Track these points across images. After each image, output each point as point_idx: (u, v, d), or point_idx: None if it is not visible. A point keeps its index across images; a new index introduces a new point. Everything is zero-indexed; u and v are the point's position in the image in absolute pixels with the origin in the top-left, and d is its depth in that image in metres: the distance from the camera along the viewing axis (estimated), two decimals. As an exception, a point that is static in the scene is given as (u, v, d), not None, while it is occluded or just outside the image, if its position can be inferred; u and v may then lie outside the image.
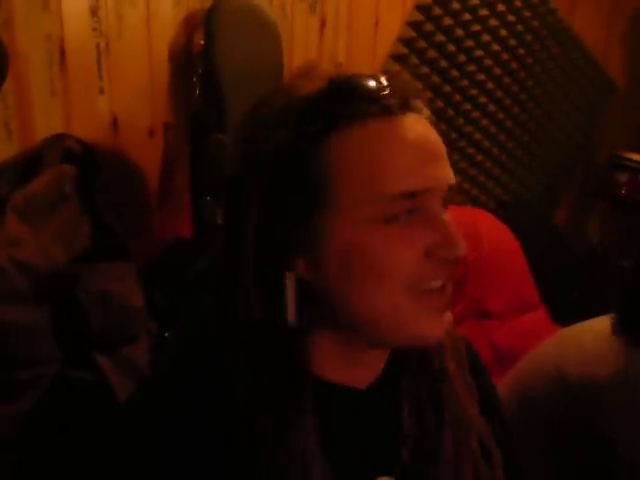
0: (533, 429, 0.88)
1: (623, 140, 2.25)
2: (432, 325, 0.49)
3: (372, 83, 0.49)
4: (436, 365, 0.56)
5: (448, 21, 1.71)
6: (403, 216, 0.47)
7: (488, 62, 1.84)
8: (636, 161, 2.09)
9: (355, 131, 0.47)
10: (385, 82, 0.50)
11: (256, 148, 0.49)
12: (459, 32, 1.74)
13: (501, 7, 1.81)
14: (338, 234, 0.47)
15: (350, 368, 0.53)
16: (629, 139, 2.27)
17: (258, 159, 0.49)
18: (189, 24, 1.31)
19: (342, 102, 0.48)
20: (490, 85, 1.87)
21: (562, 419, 0.85)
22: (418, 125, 0.49)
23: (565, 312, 1.83)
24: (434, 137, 0.50)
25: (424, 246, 0.47)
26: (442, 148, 0.50)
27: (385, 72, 0.52)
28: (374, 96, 0.48)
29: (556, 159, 2.17)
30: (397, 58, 1.66)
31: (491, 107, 1.90)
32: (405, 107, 0.49)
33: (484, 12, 1.78)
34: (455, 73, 1.78)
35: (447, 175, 0.49)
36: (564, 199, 2.29)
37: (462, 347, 0.59)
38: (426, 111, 0.51)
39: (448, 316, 0.51)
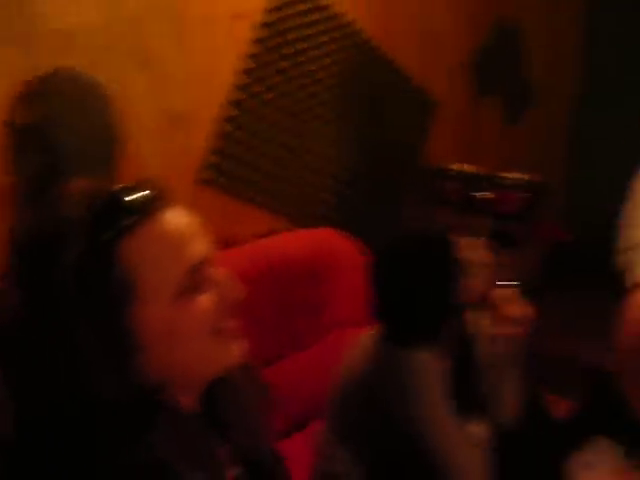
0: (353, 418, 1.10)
1: (446, 151, 2.57)
2: (230, 352, 0.67)
3: (129, 197, 0.63)
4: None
5: (282, 64, 1.88)
6: (191, 287, 0.63)
7: (324, 96, 2.04)
8: (457, 171, 2.42)
9: (134, 238, 0.61)
10: (140, 193, 0.64)
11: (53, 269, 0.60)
12: (294, 72, 1.91)
13: (328, 47, 2.01)
14: (149, 319, 0.62)
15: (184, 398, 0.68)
16: (452, 150, 2.60)
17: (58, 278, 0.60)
18: (17, 96, 1.34)
19: (108, 222, 0.61)
20: (327, 115, 2.07)
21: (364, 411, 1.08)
22: (174, 217, 0.65)
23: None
24: (187, 220, 0.66)
25: (210, 303, 0.64)
26: (196, 226, 0.66)
27: (142, 180, 0.66)
28: (135, 208, 0.62)
29: (396, 172, 2.43)
30: (234, 103, 1.80)
31: (332, 135, 2.11)
32: (160, 206, 0.64)
33: (314, 52, 1.97)
34: (295, 108, 1.95)
35: (205, 245, 0.66)
36: (408, 205, 2.57)
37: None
38: (174, 201, 0.66)
39: (243, 344, 0.68)
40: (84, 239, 0.60)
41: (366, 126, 2.24)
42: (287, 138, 1.96)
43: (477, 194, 2.38)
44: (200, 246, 0.65)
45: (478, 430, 1.08)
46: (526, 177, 2.32)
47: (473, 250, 1.09)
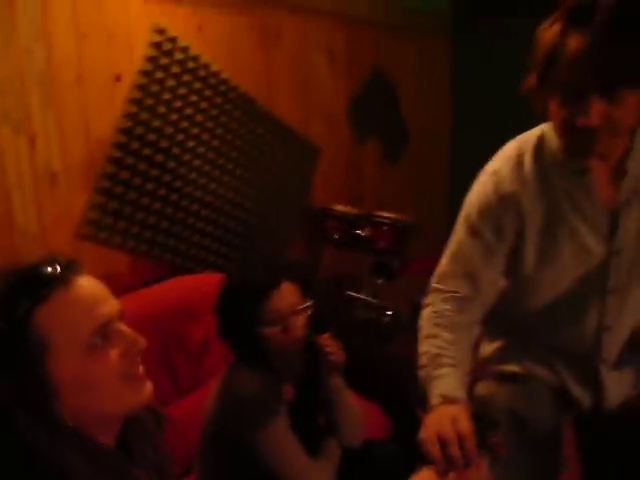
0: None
1: (331, 193, 2.77)
2: (139, 393, 0.79)
3: (41, 270, 0.75)
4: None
5: (157, 123, 1.99)
6: (99, 342, 0.75)
7: (201, 149, 2.16)
8: (339, 211, 2.61)
9: (47, 305, 0.73)
10: (50, 267, 0.75)
11: None
12: (169, 130, 2.03)
13: (204, 104, 2.15)
14: (65, 372, 0.72)
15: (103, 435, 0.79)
16: (336, 192, 2.80)
17: None
18: None
19: (26, 293, 0.73)
20: (207, 167, 2.20)
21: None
22: (84, 282, 0.77)
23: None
24: (94, 284, 0.78)
25: (118, 354, 0.76)
26: (102, 289, 0.79)
27: (52, 254, 0.78)
28: (47, 279, 0.74)
29: (283, 213, 2.59)
30: (112, 160, 1.89)
31: (213, 186, 2.23)
32: (70, 274, 0.76)
33: (189, 111, 2.10)
34: (172, 164, 2.06)
35: (113, 305, 0.78)
36: (296, 243, 2.73)
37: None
38: (81, 268, 0.78)
39: (149, 385, 0.80)
40: (6, 310, 0.72)
41: (249, 175, 2.39)
42: (165, 191, 2.06)
43: (357, 232, 2.57)
44: (107, 307, 0.77)
45: (325, 452, 1.21)
46: (398, 216, 2.54)
47: (289, 296, 1.24)
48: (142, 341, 0.80)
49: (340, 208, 2.64)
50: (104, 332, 0.76)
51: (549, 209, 1.10)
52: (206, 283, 1.98)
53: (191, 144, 2.13)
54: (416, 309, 1.20)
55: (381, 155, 3.15)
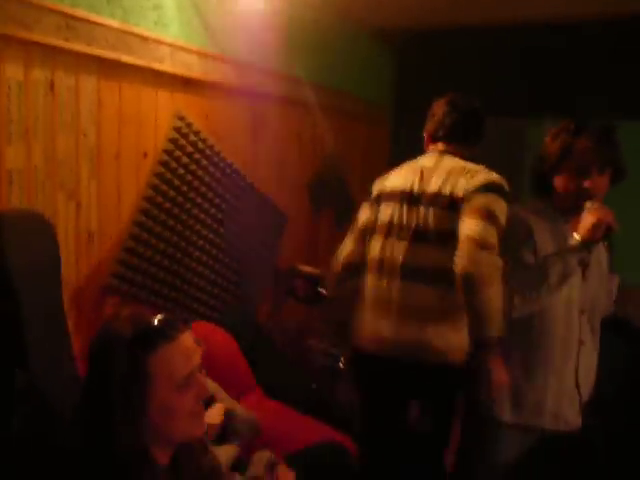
0: None
1: (295, 254, 3.22)
2: (199, 427, 1.14)
3: (161, 325, 1.09)
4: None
5: (172, 193, 2.36)
6: (184, 384, 1.09)
7: (202, 215, 2.55)
8: (304, 271, 3.06)
9: (157, 354, 1.07)
10: (167, 321, 1.11)
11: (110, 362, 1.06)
12: (180, 199, 2.41)
13: (207, 178, 2.54)
14: (157, 399, 1.07)
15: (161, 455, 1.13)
16: (299, 253, 3.26)
17: (108, 370, 1.06)
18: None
19: (146, 342, 1.08)
20: (205, 231, 2.58)
21: None
22: (186, 337, 1.12)
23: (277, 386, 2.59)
24: (190, 340, 1.13)
25: (193, 395, 1.11)
26: (194, 344, 1.13)
27: (167, 312, 1.14)
28: (163, 333, 1.09)
29: (257, 271, 2.99)
30: (138, 224, 2.22)
31: (207, 246, 2.60)
32: (179, 330, 1.11)
33: (196, 183, 2.49)
34: (180, 227, 2.42)
35: (197, 359, 1.12)
36: (265, 299, 3.12)
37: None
38: (184, 327, 1.14)
39: (205, 423, 1.16)
40: (130, 351, 1.06)
41: (232, 237, 2.79)
42: (175, 252, 2.41)
43: (319, 289, 3.03)
44: (195, 360, 1.12)
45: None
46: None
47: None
48: (208, 390, 1.15)
49: (306, 268, 3.08)
50: (189, 378, 1.10)
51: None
52: (199, 332, 2.34)
53: (195, 211, 2.50)
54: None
55: (333, 222, 3.67)
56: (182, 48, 2.33)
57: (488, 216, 1.67)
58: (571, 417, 1.75)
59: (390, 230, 1.91)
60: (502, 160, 2.18)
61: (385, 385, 1.90)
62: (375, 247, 1.94)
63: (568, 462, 1.82)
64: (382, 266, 1.90)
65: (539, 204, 1.80)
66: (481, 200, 1.71)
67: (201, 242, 2.57)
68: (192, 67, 2.40)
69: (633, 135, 2.40)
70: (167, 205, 2.35)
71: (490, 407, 1.74)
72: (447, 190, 1.79)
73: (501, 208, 1.71)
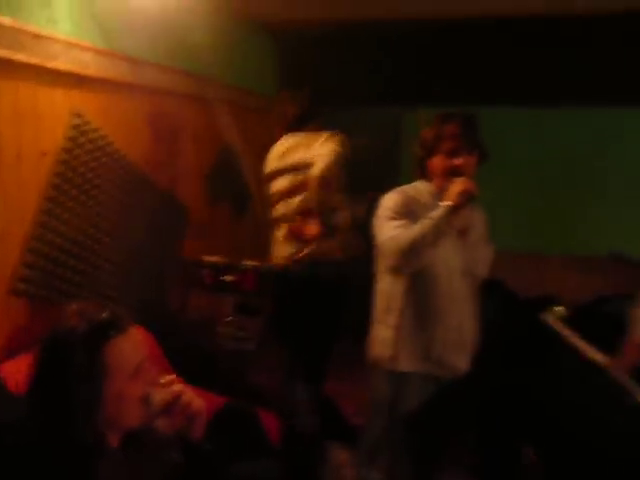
0: None
1: (197, 246, 3.31)
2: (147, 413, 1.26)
3: (112, 318, 1.21)
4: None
5: (75, 192, 2.35)
6: (135, 374, 1.21)
7: (102, 210, 2.55)
8: (209, 261, 3.16)
9: (111, 346, 1.19)
10: (117, 315, 1.22)
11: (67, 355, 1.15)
12: (83, 198, 2.40)
13: (107, 175, 2.55)
14: (112, 388, 1.18)
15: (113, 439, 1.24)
16: (200, 244, 3.35)
17: (65, 363, 1.15)
18: None
19: (101, 334, 1.18)
20: (106, 225, 2.59)
21: None
22: (134, 331, 1.23)
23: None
24: (138, 333, 1.25)
25: (143, 384, 1.23)
26: (141, 337, 1.26)
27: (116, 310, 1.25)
28: (115, 325, 1.20)
29: (163, 263, 3.04)
30: (42, 225, 2.20)
31: (108, 240, 2.62)
32: (127, 325, 1.22)
33: (97, 181, 2.49)
34: (84, 225, 2.42)
35: (145, 350, 1.26)
36: (174, 289, 3.18)
37: None
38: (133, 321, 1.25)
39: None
40: (86, 343, 1.15)
41: (141, 234, 2.82)
42: (81, 250, 2.41)
43: (224, 277, 3.15)
44: (145, 348, 1.25)
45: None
46: (256, 263, 3.20)
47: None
48: (157, 378, 1.27)
49: (211, 259, 3.19)
50: (140, 367, 1.23)
51: None
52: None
53: (97, 209, 2.51)
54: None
55: (230, 213, 3.79)
56: (76, 45, 2.31)
57: None
58: (457, 364, 2.07)
59: None
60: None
61: None
62: None
63: (460, 407, 2.14)
64: None
65: (419, 186, 2.11)
66: None
67: (106, 239, 2.58)
68: (87, 64, 2.39)
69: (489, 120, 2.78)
70: (70, 204, 2.34)
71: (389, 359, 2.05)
72: None
73: None
